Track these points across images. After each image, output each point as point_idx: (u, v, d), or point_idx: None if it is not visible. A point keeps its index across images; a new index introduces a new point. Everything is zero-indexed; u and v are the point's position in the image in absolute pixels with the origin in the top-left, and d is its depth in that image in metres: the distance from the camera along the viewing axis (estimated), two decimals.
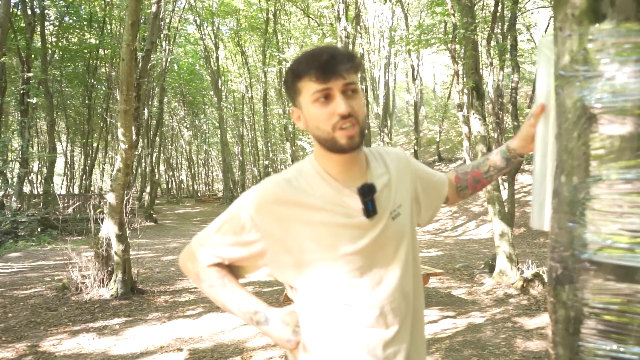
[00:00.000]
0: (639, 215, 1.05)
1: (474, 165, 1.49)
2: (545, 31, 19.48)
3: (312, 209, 1.17)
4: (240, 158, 30.74)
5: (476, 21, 6.44)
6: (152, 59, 13.50)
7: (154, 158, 23.23)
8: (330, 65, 1.10)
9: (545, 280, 5.53)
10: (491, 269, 6.99)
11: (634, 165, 1.05)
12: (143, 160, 23.28)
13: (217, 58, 25.11)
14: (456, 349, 4.14)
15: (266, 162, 20.31)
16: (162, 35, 19.04)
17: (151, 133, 21.79)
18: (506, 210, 6.78)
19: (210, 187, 43.62)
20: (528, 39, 19.13)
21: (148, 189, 22.16)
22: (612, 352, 1.10)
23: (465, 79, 11.16)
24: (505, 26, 10.69)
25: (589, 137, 1.08)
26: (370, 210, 1.18)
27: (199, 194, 38.64)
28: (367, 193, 1.18)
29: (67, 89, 22.02)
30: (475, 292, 6.31)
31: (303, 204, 1.17)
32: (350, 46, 12.15)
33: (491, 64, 9.53)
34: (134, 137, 6.05)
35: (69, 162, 26.80)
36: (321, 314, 1.19)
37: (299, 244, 1.17)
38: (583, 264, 1.11)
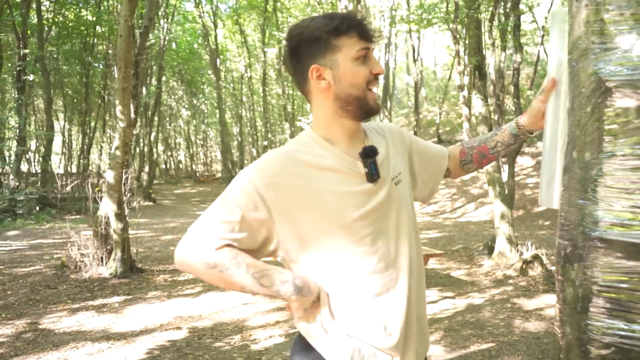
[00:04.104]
0: None
1: (481, 140, 1.46)
2: (548, 11, 19.24)
3: (317, 179, 1.14)
4: (239, 138, 30.63)
5: (479, 0, 6.34)
6: (150, 37, 13.33)
7: (152, 138, 23.13)
8: (369, 27, 1.15)
9: (544, 262, 5.55)
10: (490, 250, 7.00)
11: None
12: (141, 140, 23.18)
13: (215, 37, 24.79)
14: (455, 329, 4.16)
15: (265, 143, 20.21)
16: (160, 13, 18.78)
17: (149, 112, 21.65)
18: (506, 192, 6.76)
19: (208, 167, 43.56)
20: (532, 20, 18.90)
21: (146, 169, 22.10)
22: (620, 330, 1.08)
23: (467, 59, 11.02)
24: (509, 5, 10.53)
25: (603, 112, 1.05)
26: (374, 173, 1.16)
27: (197, 174, 38.62)
28: (370, 155, 1.17)
29: (64, 67, 21.79)
30: (474, 273, 6.33)
31: (307, 175, 1.14)
32: None
33: (493, 44, 9.40)
34: (132, 115, 5.99)
35: (67, 141, 26.69)
36: (332, 285, 1.16)
37: (307, 214, 1.14)
38: (593, 241, 1.09)
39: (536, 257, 5.87)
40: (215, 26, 24.80)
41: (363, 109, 1.17)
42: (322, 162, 1.16)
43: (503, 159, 9.97)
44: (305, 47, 1.15)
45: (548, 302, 4.79)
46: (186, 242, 1.15)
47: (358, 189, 1.15)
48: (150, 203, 19.51)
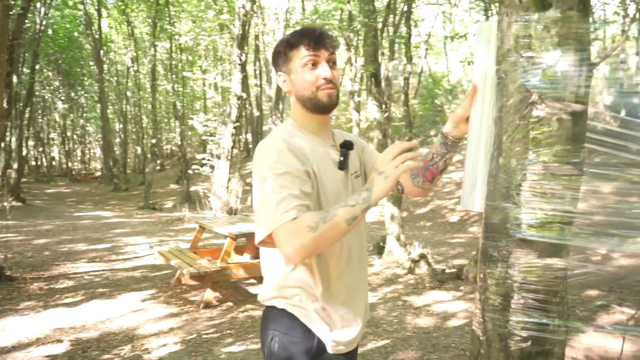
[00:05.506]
0: (569, 198, 1.12)
1: (424, 155, 1.55)
2: (432, 27, 20.66)
3: (310, 160, 1.33)
4: (122, 135, 28.88)
5: (377, 10, 6.60)
6: (26, 21, 12.08)
7: (22, 131, 20.95)
8: (320, 38, 1.36)
9: (430, 260, 5.88)
10: (380, 250, 7.30)
11: (568, 150, 1.11)
12: (9, 133, 20.90)
13: (99, 26, 23.12)
14: None
15: (153, 141, 19.24)
16: None
17: (21, 104, 19.59)
18: (397, 195, 7.10)
19: (86, 165, 40.61)
20: (417, 34, 20.18)
21: (15, 166, 19.98)
22: (537, 324, 1.16)
23: (358, 66, 11.45)
24: (399, 18, 11.13)
25: (528, 122, 1.13)
26: (345, 162, 1.40)
27: (73, 173, 35.87)
28: (349, 146, 1.42)
29: None
30: None
31: (303, 156, 1.32)
32: (246, 26, 11.87)
33: (382, 54, 9.87)
34: (5, 105, 5.37)
35: None
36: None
37: (316, 183, 1.33)
38: (516, 242, 1.16)
39: (423, 257, 6.22)
40: (100, 15, 23.16)
41: (316, 106, 1.38)
42: (308, 148, 1.35)
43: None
44: (274, 58, 1.46)
45: (435, 299, 5.10)
46: (284, 236, 1.18)
47: (336, 174, 1.39)
48: (19, 203, 17.64)
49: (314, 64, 1.36)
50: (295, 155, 1.28)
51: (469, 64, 8.05)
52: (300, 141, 1.36)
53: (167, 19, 17.58)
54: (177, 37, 15.14)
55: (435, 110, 20.18)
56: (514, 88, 1.14)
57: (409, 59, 9.34)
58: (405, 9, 11.02)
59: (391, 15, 10.14)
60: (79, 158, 41.30)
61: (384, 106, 6.63)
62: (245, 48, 11.84)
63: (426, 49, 19.71)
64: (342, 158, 1.40)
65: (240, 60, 11.09)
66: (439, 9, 19.78)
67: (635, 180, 1.16)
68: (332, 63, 1.39)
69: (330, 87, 1.36)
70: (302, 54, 1.36)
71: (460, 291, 5.24)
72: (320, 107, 1.38)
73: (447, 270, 6.02)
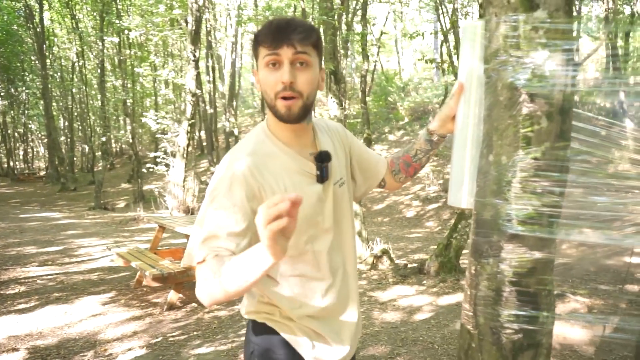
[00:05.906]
0: (557, 193, 1.16)
1: (405, 150, 1.53)
2: (384, 25, 20.93)
3: (278, 179, 1.21)
4: (68, 133, 27.73)
5: (335, 8, 6.61)
6: None
7: None
8: (281, 32, 1.13)
9: (392, 256, 5.97)
10: None
11: (556, 147, 1.14)
12: None
13: (41, 19, 22.04)
14: None
15: (104, 139, 18.52)
16: None
17: None
18: None
19: (29, 165, 38.80)
20: (370, 32, 20.39)
21: None
22: (527, 317, 1.20)
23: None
24: (354, 17, 11.21)
25: (518, 120, 1.16)
26: (324, 176, 1.25)
27: (15, 172, 34.18)
28: (324, 159, 1.26)
29: None
30: None
31: (270, 175, 1.20)
32: (199, 22, 11.60)
33: (339, 51, 9.92)
34: None
35: None
36: (285, 276, 1.27)
37: None
38: (507, 237, 1.19)
39: (385, 252, 6.30)
40: (41, 7, 22.07)
41: (276, 115, 1.21)
42: (279, 163, 1.23)
43: None
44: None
45: (399, 293, 5.18)
46: (196, 274, 1.10)
47: (310, 189, 1.24)
48: None
49: (275, 64, 1.16)
50: (251, 182, 1.16)
51: (426, 62, 8.22)
52: (269, 156, 1.23)
53: (115, 12, 16.98)
54: (126, 31, 14.63)
55: (389, 108, 20.48)
56: (504, 86, 1.17)
57: (366, 57, 9.40)
58: (359, 7, 11.11)
59: (344, 14, 10.20)
60: (21, 157, 39.44)
61: (343, 103, 6.65)
62: (199, 44, 11.60)
63: (379, 47, 19.93)
64: (318, 172, 1.25)
65: (194, 56, 10.87)
66: (390, 8, 20.04)
67: (580, 171, 1.22)
68: (300, 63, 1.16)
69: (288, 95, 1.15)
70: (263, 52, 1.16)
71: (423, 285, 5.35)
72: (279, 117, 1.20)
73: (409, 265, 6.13)
